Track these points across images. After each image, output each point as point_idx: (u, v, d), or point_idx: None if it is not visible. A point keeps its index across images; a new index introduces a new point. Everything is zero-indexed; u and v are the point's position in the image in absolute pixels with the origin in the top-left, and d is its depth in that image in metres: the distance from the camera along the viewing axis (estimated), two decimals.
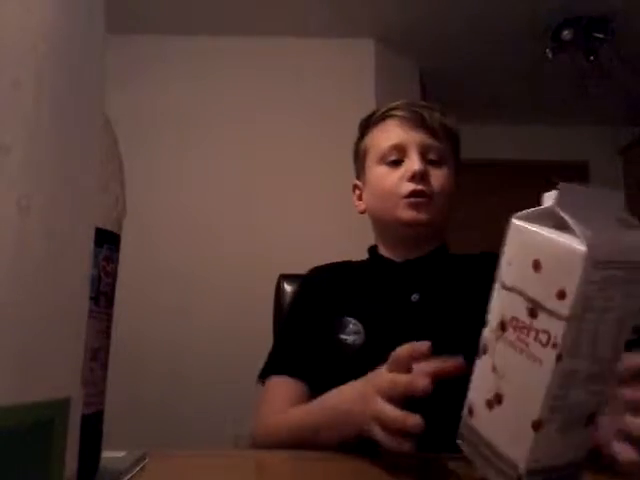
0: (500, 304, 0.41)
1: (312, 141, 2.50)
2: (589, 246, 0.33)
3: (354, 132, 0.98)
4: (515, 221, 0.40)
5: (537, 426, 0.36)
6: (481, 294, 0.82)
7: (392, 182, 0.85)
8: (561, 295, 0.34)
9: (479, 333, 0.81)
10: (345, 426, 0.58)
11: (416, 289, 0.84)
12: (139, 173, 2.44)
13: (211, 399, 2.18)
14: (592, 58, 2.62)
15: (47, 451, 0.18)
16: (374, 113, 0.93)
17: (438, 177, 0.85)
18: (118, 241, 0.45)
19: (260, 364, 0.90)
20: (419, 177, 0.83)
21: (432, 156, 0.86)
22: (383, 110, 0.91)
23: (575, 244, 0.34)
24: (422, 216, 0.84)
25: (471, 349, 0.76)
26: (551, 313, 0.35)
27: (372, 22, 2.52)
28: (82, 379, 0.22)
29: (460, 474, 0.48)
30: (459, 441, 0.43)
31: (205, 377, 2.22)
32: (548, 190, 0.38)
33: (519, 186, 3.63)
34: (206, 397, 2.19)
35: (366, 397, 0.54)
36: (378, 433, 0.51)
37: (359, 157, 0.95)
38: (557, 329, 0.35)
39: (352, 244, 1.01)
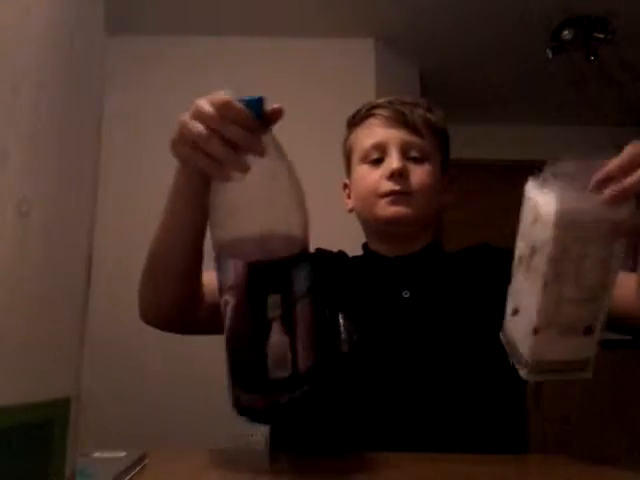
0: (519, 246, 0.55)
1: (312, 141, 2.51)
2: (560, 198, 0.47)
3: (345, 133, 0.97)
4: (528, 184, 0.55)
5: (535, 332, 0.50)
6: (474, 288, 0.82)
7: (372, 181, 0.85)
8: (544, 239, 0.48)
9: (471, 330, 0.83)
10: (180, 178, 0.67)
11: (407, 285, 0.84)
12: (139, 173, 2.45)
13: (211, 399, 2.18)
14: (592, 58, 2.62)
15: (47, 451, 0.18)
16: (360, 110, 0.92)
17: (419, 174, 0.84)
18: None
19: None
20: (397, 175, 0.82)
21: (413, 153, 0.85)
22: (366, 108, 0.90)
23: (552, 202, 0.47)
24: (403, 211, 0.83)
25: (462, 345, 0.76)
26: (541, 252, 0.48)
27: (372, 22, 2.52)
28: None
29: (458, 474, 0.48)
30: (501, 333, 0.58)
31: (205, 377, 2.22)
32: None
33: (519, 186, 3.63)
34: (206, 397, 2.19)
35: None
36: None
37: (346, 155, 0.95)
38: (544, 264, 0.48)
39: (351, 243, 1.01)
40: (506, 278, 0.56)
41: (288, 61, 2.58)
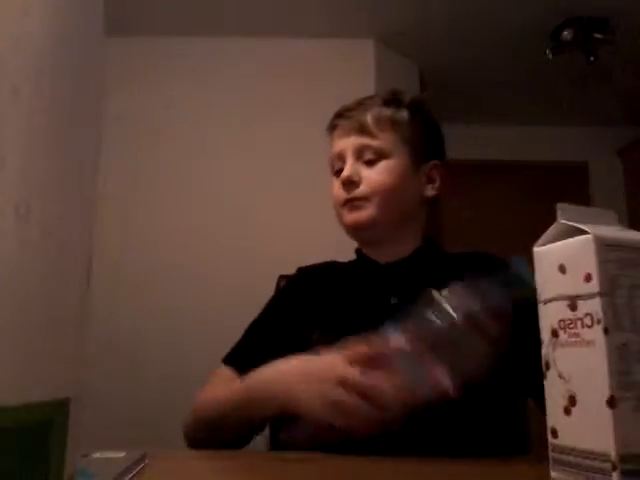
0: (546, 318, 0.45)
1: (312, 141, 2.50)
2: (594, 232, 0.40)
3: None
4: (535, 249, 0.46)
5: (612, 403, 0.38)
6: None
7: (335, 192, 0.88)
8: (588, 278, 0.40)
9: None
10: (269, 402, 0.65)
11: (395, 292, 0.83)
12: (139, 174, 2.45)
13: None
14: (592, 58, 2.62)
15: (46, 451, 0.18)
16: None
17: (370, 177, 0.85)
18: None
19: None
20: (347, 184, 0.85)
21: (368, 156, 0.86)
22: (331, 119, 0.95)
23: (584, 235, 0.41)
24: (361, 216, 0.84)
25: None
26: (586, 297, 0.40)
27: (372, 22, 2.52)
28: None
29: (457, 474, 0.48)
30: (553, 473, 0.42)
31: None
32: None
33: (519, 186, 3.63)
34: None
35: (320, 372, 0.60)
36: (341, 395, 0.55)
37: None
38: (596, 306, 0.40)
39: (351, 245, 1.01)
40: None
41: (288, 62, 2.58)
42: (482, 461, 0.53)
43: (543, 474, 0.42)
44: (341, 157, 0.88)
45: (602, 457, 0.38)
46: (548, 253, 0.45)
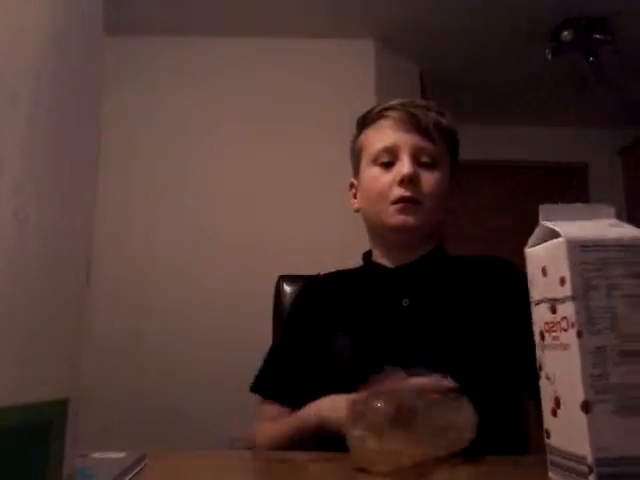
0: (535, 320, 0.45)
1: (312, 141, 2.51)
2: (567, 235, 0.40)
3: (354, 132, 0.97)
4: (526, 250, 0.46)
5: (585, 408, 0.37)
6: (479, 298, 0.82)
7: (382, 186, 0.84)
8: (562, 282, 0.40)
9: (473, 337, 0.81)
10: (313, 432, 0.69)
11: (407, 294, 0.84)
12: (138, 174, 2.45)
13: (210, 400, 2.18)
14: (592, 59, 2.62)
15: (45, 451, 0.19)
16: (371, 111, 0.91)
17: (429, 180, 0.84)
18: None
19: (258, 367, 0.90)
20: (408, 181, 0.82)
21: (424, 159, 0.84)
22: (378, 109, 0.89)
23: (558, 237, 0.41)
24: (411, 220, 0.82)
25: (460, 352, 0.76)
26: (562, 300, 0.40)
27: (372, 22, 2.52)
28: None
29: (457, 474, 0.48)
30: (550, 473, 0.42)
31: (204, 378, 2.22)
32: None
33: (519, 187, 3.63)
34: (205, 398, 2.19)
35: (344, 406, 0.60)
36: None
37: (355, 155, 0.94)
38: (569, 310, 0.39)
39: (351, 245, 1.01)
40: (519, 302, 0.54)
41: (288, 62, 2.58)
42: (482, 461, 0.53)
43: (543, 474, 0.43)
44: (392, 151, 0.85)
45: (580, 459, 0.38)
46: (534, 255, 0.45)
